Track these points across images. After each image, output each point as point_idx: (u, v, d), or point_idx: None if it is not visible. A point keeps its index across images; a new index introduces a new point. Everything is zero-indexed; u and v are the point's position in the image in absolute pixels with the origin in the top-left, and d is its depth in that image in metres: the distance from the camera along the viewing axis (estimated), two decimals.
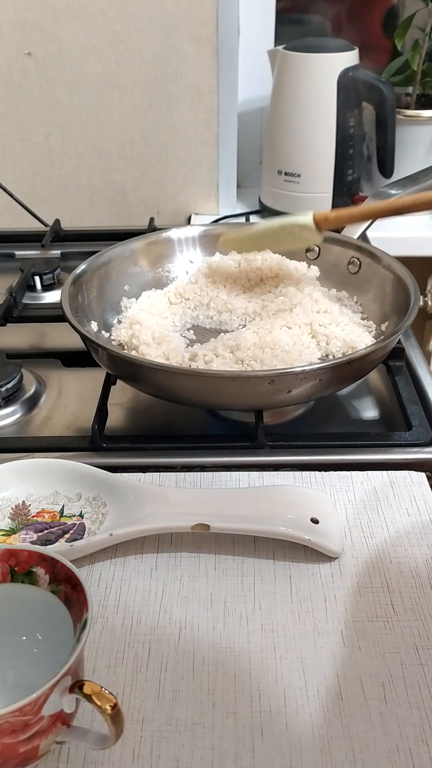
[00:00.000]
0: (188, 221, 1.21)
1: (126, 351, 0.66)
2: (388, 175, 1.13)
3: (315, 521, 0.52)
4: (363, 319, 0.73)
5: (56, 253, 1.01)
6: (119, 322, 0.73)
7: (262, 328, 0.66)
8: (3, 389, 0.68)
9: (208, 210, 1.21)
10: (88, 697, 0.36)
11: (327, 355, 0.66)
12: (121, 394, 0.70)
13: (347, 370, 0.60)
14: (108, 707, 0.35)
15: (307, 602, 0.49)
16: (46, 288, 0.91)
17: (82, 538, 0.52)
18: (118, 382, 0.68)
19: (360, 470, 0.59)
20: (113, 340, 0.70)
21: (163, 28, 1.07)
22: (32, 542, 0.52)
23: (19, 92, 1.12)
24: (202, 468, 0.60)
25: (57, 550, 0.49)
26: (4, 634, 0.42)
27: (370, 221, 0.72)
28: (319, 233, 0.70)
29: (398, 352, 0.71)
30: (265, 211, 1.19)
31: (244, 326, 0.71)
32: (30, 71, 1.11)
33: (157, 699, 0.43)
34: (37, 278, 0.91)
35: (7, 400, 0.69)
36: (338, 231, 0.82)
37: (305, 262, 0.79)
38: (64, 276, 0.91)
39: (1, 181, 1.12)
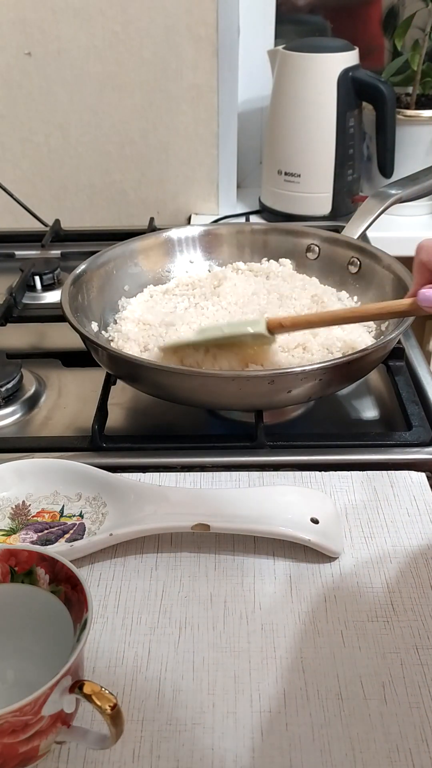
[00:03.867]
0: (188, 221, 1.21)
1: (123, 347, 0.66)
2: (388, 175, 1.13)
3: (315, 521, 0.52)
4: None
5: (56, 253, 1.01)
6: (115, 321, 0.73)
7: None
8: (3, 389, 0.68)
9: (208, 210, 1.21)
10: (88, 697, 0.36)
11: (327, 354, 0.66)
12: (121, 394, 0.70)
13: (347, 370, 0.60)
14: (108, 707, 0.35)
15: (307, 602, 0.49)
16: (46, 288, 0.91)
17: (82, 538, 0.52)
18: (118, 382, 0.68)
19: (360, 470, 0.59)
20: (110, 339, 0.70)
21: (163, 28, 1.07)
22: (32, 542, 0.52)
23: (19, 92, 1.12)
24: (202, 468, 0.60)
25: (57, 550, 0.49)
26: (4, 634, 0.42)
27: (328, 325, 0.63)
28: (273, 338, 0.62)
29: (398, 352, 0.71)
30: (264, 211, 1.19)
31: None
32: (30, 71, 1.11)
33: (157, 699, 0.43)
34: (37, 278, 0.91)
35: (7, 400, 0.69)
36: (338, 231, 0.82)
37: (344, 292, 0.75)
38: (64, 276, 0.91)
39: (1, 181, 1.12)
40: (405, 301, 0.55)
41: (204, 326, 0.67)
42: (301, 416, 0.68)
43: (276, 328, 0.61)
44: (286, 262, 0.81)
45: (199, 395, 0.60)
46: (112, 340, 0.70)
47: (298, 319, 0.62)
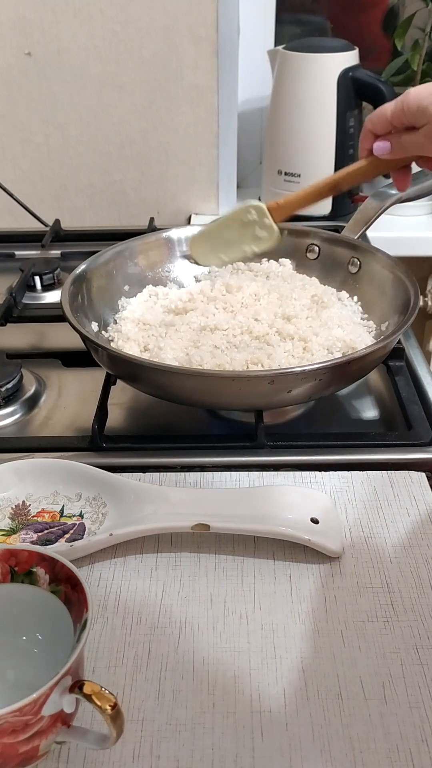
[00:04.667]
0: (188, 221, 1.21)
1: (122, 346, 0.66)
2: (388, 175, 1.13)
3: (315, 521, 0.52)
4: (363, 319, 0.73)
5: (56, 253, 1.01)
6: (115, 321, 0.73)
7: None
8: (3, 389, 0.68)
9: (208, 210, 1.21)
10: (88, 697, 0.36)
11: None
12: (121, 394, 0.70)
13: (347, 370, 0.60)
14: (108, 707, 0.35)
15: (307, 602, 0.49)
16: (46, 288, 0.91)
17: (82, 538, 0.52)
18: (118, 382, 0.68)
19: (360, 470, 0.59)
20: (110, 339, 0.70)
21: (163, 28, 1.07)
22: (32, 542, 0.52)
23: (19, 92, 1.12)
24: (202, 468, 0.60)
25: (57, 550, 0.49)
26: (4, 634, 0.42)
27: (317, 200, 0.71)
28: (273, 222, 0.70)
29: (398, 352, 0.71)
30: None
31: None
32: (30, 71, 1.11)
33: (157, 699, 0.43)
34: (37, 278, 0.91)
35: (7, 400, 0.69)
36: (338, 231, 0.82)
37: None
38: (64, 276, 0.91)
39: (1, 181, 1.12)
40: (362, 161, 0.66)
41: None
42: (301, 416, 0.68)
43: (274, 209, 0.69)
44: (286, 262, 0.81)
45: (199, 395, 0.60)
46: (112, 340, 0.70)
47: (289, 198, 0.70)
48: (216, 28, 1.07)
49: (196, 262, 0.78)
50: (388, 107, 0.61)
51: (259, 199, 0.77)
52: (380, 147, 0.63)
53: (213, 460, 0.60)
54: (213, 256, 0.75)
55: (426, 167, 0.65)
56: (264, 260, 0.82)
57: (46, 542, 0.52)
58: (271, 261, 0.82)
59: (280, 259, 0.81)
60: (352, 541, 0.53)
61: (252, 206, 0.70)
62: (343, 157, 1.11)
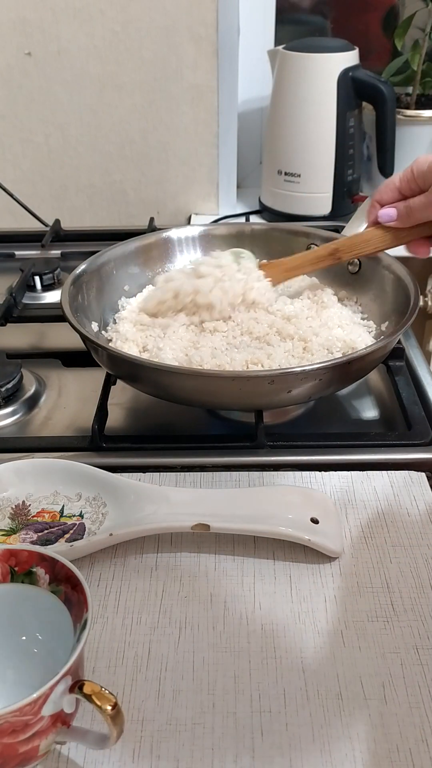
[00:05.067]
0: (188, 221, 1.21)
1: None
2: (388, 175, 1.13)
3: (315, 521, 0.52)
4: (363, 319, 0.73)
5: (56, 253, 1.01)
6: (115, 321, 0.73)
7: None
8: (3, 389, 0.68)
9: (208, 210, 1.21)
10: (88, 697, 0.36)
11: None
12: (121, 394, 0.70)
13: (347, 370, 0.60)
14: (108, 707, 0.35)
15: (307, 602, 0.49)
16: (46, 288, 0.91)
17: (82, 538, 0.52)
18: (118, 382, 0.68)
19: (360, 470, 0.59)
20: (109, 339, 0.70)
21: (163, 28, 1.07)
22: (32, 542, 0.52)
23: (19, 92, 1.12)
24: (202, 468, 0.60)
25: (57, 550, 0.49)
26: (4, 634, 0.42)
27: (315, 268, 0.71)
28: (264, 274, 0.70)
29: (398, 352, 0.71)
30: (265, 211, 1.19)
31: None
32: (30, 71, 1.11)
33: (157, 699, 0.43)
34: (37, 278, 0.91)
35: (7, 400, 0.69)
36: (338, 231, 0.82)
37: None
38: (64, 276, 0.91)
39: (1, 181, 1.12)
40: (369, 230, 0.65)
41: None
42: (301, 416, 0.68)
43: (266, 267, 0.69)
44: None
45: (199, 395, 0.60)
46: (110, 340, 0.70)
47: (285, 263, 0.70)
48: (216, 28, 1.07)
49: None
50: (395, 176, 0.61)
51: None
52: (385, 214, 0.61)
53: (213, 460, 0.60)
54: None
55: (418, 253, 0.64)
56: (264, 261, 0.82)
57: (46, 542, 0.52)
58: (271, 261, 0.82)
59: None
60: (352, 541, 0.53)
61: (239, 252, 0.70)
62: (343, 157, 1.11)
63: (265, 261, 0.70)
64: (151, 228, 1.01)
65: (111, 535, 0.51)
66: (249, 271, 0.70)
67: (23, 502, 0.55)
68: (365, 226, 0.78)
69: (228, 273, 0.69)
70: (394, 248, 0.66)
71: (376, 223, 0.63)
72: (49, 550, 0.42)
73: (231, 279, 0.68)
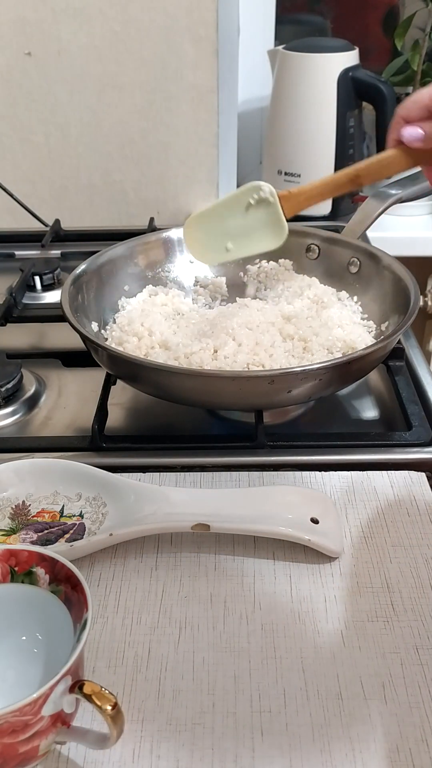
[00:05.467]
0: None
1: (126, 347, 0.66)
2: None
3: (315, 521, 0.52)
4: (363, 319, 0.73)
5: (56, 253, 1.01)
6: (114, 321, 0.73)
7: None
8: (3, 389, 0.68)
9: None
10: (88, 697, 0.36)
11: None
12: (121, 394, 0.70)
13: (347, 370, 0.60)
14: (108, 707, 0.35)
15: (307, 602, 0.49)
16: (46, 288, 0.91)
17: (82, 538, 0.52)
18: (118, 382, 0.68)
19: (360, 470, 0.59)
20: (106, 338, 0.70)
21: (163, 28, 1.07)
22: (32, 542, 0.52)
23: (19, 92, 1.12)
24: (202, 468, 0.60)
25: (57, 550, 0.49)
26: (4, 634, 0.42)
27: (335, 193, 0.64)
28: (283, 215, 0.62)
29: (398, 352, 0.71)
30: None
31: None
32: (30, 71, 1.11)
33: (157, 699, 0.43)
34: (37, 278, 0.91)
35: (7, 400, 0.69)
36: (338, 231, 0.82)
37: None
38: (64, 276, 0.91)
39: (1, 181, 1.12)
40: (389, 151, 0.58)
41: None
42: (301, 416, 0.68)
43: (285, 198, 0.61)
44: (287, 264, 0.81)
45: (199, 395, 0.60)
46: (107, 339, 0.70)
47: (304, 188, 0.63)
48: (216, 28, 1.07)
49: (193, 257, 0.69)
50: (425, 91, 0.54)
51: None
52: (412, 133, 0.55)
53: (213, 460, 0.60)
54: (211, 247, 0.65)
55: None
56: (264, 261, 0.82)
57: (46, 542, 0.52)
58: (271, 261, 0.82)
59: (280, 260, 0.81)
60: (352, 541, 0.53)
61: (260, 187, 0.61)
62: (343, 157, 1.11)
63: (285, 192, 0.62)
64: (151, 228, 1.02)
65: (111, 535, 0.51)
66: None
67: (23, 502, 0.55)
68: (365, 227, 0.78)
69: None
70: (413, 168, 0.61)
71: (398, 142, 0.57)
72: (49, 550, 0.42)
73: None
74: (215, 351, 0.65)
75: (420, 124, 0.55)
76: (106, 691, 0.36)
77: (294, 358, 0.65)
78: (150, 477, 0.59)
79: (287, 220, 0.63)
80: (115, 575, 0.51)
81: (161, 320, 0.71)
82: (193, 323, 0.70)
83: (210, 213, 0.65)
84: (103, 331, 0.71)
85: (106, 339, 0.70)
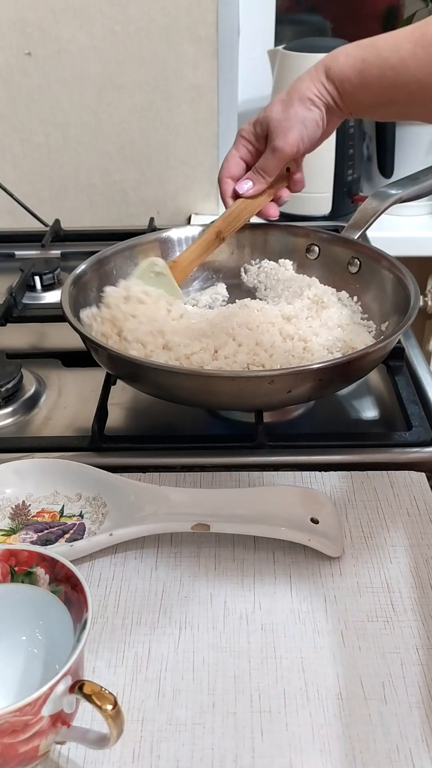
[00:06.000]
0: (188, 221, 1.21)
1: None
2: (388, 175, 1.13)
3: (315, 521, 0.52)
4: (363, 319, 0.73)
5: (56, 253, 1.01)
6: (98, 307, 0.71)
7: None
8: (3, 389, 0.68)
9: (208, 210, 1.21)
10: (88, 697, 0.36)
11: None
12: (121, 394, 0.70)
13: (347, 370, 0.60)
14: (108, 707, 0.35)
15: (307, 602, 0.49)
16: (46, 288, 0.91)
17: (82, 538, 0.52)
18: (118, 382, 0.68)
19: (360, 470, 0.59)
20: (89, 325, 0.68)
21: (163, 28, 1.07)
22: (32, 542, 0.52)
23: (19, 92, 1.12)
24: (202, 468, 0.60)
25: (57, 550, 0.49)
26: (4, 634, 0.42)
27: (209, 251, 0.73)
28: (173, 280, 0.71)
29: (398, 352, 0.71)
30: None
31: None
32: (30, 71, 1.11)
33: (157, 699, 0.43)
34: (37, 278, 0.91)
35: (7, 400, 0.69)
36: (338, 231, 0.82)
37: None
38: (64, 276, 0.91)
39: (1, 181, 1.12)
40: (234, 204, 0.70)
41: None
42: (301, 416, 0.68)
43: (172, 267, 0.71)
44: (287, 264, 0.81)
45: (199, 395, 0.60)
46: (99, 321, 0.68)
47: (183, 256, 0.73)
48: (216, 28, 1.07)
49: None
50: (233, 149, 0.69)
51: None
52: (244, 187, 0.68)
53: (213, 460, 0.60)
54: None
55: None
56: (264, 261, 0.82)
57: (46, 542, 0.52)
58: (271, 261, 0.82)
59: (280, 260, 0.81)
60: (352, 541, 0.53)
61: (155, 263, 0.71)
62: (343, 157, 1.11)
63: (171, 262, 0.72)
64: (151, 228, 1.01)
65: (111, 535, 0.51)
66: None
67: (23, 502, 0.55)
68: (365, 227, 0.78)
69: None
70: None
71: (237, 196, 0.69)
72: (49, 550, 0.42)
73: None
74: (215, 351, 0.65)
75: (246, 176, 0.68)
76: (106, 691, 0.36)
77: (294, 358, 0.65)
78: (150, 477, 0.59)
79: (180, 284, 0.73)
80: (115, 575, 0.51)
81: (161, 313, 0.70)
82: (193, 323, 0.70)
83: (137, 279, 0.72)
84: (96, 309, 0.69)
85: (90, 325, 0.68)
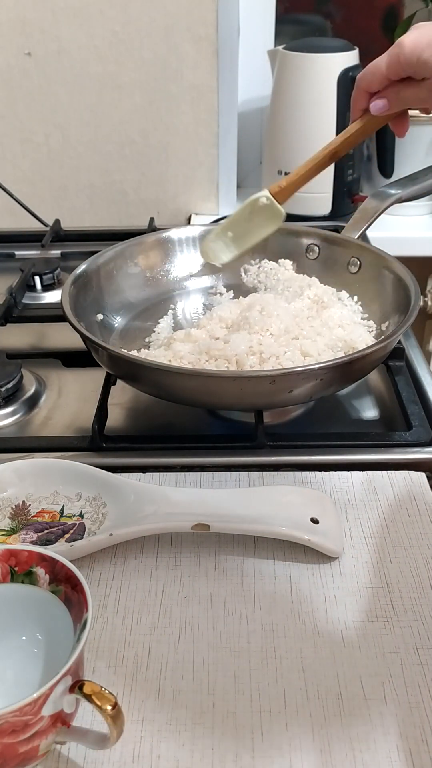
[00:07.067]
0: (188, 221, 1.21)
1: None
2: (388, 175, 1.13)
3: (315, 521, 0.52)
4: (363, 319, 0.73)
5: (56, 253, 1.01)
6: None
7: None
8: (3, 389, 0.68)
9: (208, 210, 1.21)
10: (88, 697, 0.36)
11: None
12: (121, 394, 0.70)
13: (348, 370, 0.60)
14: (108, 707, 0.35)
15: (307, 602, 0.49)
16: (46, 288, 0.91)
17: (82, 538, 0.52)
18: (118, 382, 0.68)
19: (360, 470, 0.59)
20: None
21: (163, 28, 1.07)
22: (32, 542, 0.52)
23: (19, 92, 1.12)
24: (202, 468, 0.60)
25: (57, 550, 0.49)
26: (4, 634, 0.42)
27: (318, 172, 0.67)
28: (279, 205, 0.66)
29: (398, 352, 0.71)
30: None
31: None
32: (30, 71, 1.11)
33: (157, 699, 0.43)
34: (37, 278, 0.91)
35: (7, 400, 0.69)
36: (338, 231, 0.82)
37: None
38: (64, 276, 0.91)
39: (1, 181, 1.12)
40: (358, 122, 0.63)
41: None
42: (301, 416, 0.68)
43: (277, 192, 0.65)
44: (287, 264, 0.81)
45: (199, 395, 0.60)
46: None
47: (290, 177, 0.65)
48: (216, 28, 1.07)
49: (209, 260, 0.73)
50: (381, 62, 0.58)
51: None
52: (378, 105, 0.60)
53: (213, 460, 0.60)
54: (224, 253, 0.70)
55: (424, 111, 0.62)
56: (264, 261, 0.82)
57: (46, 542, 0.52)
58: (271, 261, 0.82)
59: (280, 260, 0.81)
60: (352, 541, 0.53)
61: (256, 198, 0.66)
62: (343, 157, 1.10)
63: (275, 187, 0.66)
64: (151, 228, 1.01)
65: (111, 535, 0.51)
66: None
67: (23, 502, 0.55)
68: (365, 227, 0.78)
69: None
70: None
71: (364, 111, 0.62)
72: (49, 550, 0.42)
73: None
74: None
75: (382, 94, 0.59)
76: (106, 691, 0.36)
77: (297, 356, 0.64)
78: (150, 477, 0.59)
79: (283, 206, 0.67)
80: (115, 575, 0.51)
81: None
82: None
83: (218, 232, 0.68)
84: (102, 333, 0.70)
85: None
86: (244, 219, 0.67)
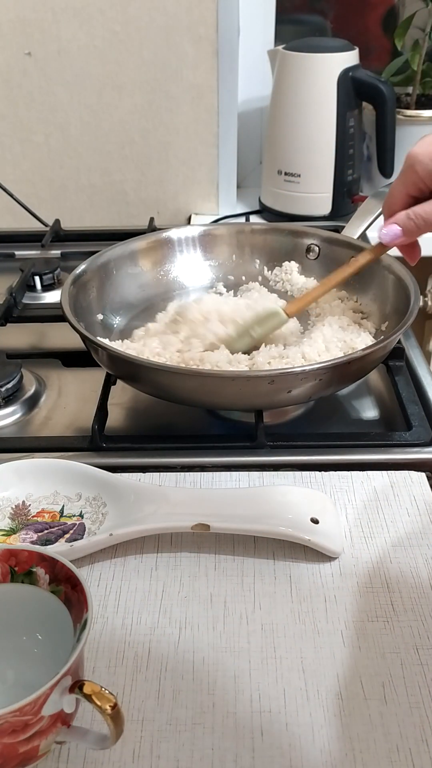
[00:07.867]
0: (188, 221, 1.21)
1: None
2: (388, 175, 1.13)
3: (315, 521, 0.52)
4: (363, 319, 0.73)
5: (56, 253, 1.01)
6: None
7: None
8: (3, 389, 0.68)
9: (208, 210, 1.21)
10: (88, 697, 0.36)
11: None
12: (121, 394, 0.70)
13: (347, 370, 0.60)
14: (108, 707, 0.35)
15: (307, 602, 0.49)
16: (46, 288, 0.91)
17: (82, 538, 0.52)
18: (118, 382, 0.68)
19: (360, 470, 0.59)
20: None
21: (163, 28, 1.07)
22: (32, 542, 0.52)
23: (19, 92, 1.12)
24: (202, 468, 0.60)
25: (57, 550, 0.49)
26: (4, 634, 0.42)
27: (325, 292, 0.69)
28: (287, 317, 0.67)
29: (398, 352, 0.71)
30: (265, 211, 1.19)
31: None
32: (30, 71, 1.11)
33: (157, 699, 0.43)
34: (37, 278, 0.91)
35: (7, 400, 0.69)
36: (338, 231, 0.82)
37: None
38: (64, 276, 0.91)
39: (1, 181, 1.12)
40: (368, 250, 0.66)
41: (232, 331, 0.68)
42: (301, 416, 0.68)
43: (290, 311, 0.67)
44: (292, 266, 0.81)
45: (199, 395, 0.60)
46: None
47: (303, 300, 0.68)
48: (216, 28, 1.07)
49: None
50: (397, 184, 0.58)
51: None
52: (389, 233, 0.59)
53: (213, 460, 0.60)
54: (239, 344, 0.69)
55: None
56: (267, 262, 0.82)
57: (46, 542, 0.52)
58: (275, 263, 0.82)
59: (284, 263, 0.81)
60: (352, 541, 0.53)
61: (278, 313, 0.67)
62: (343, 157, 1.11)
63: (287, 305, 0.68)
64: (151, 228, 1.01)
65: (111, 535, 0.51)
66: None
67: (23, 502, 0.55)
68: (365, 227, 0.78)
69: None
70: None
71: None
72: (49, 550, 0.42)
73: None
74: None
75: (391, 222, 0.59)
76: (106, 691, 0.36)
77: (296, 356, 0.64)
78: (150, 477, 0.59)
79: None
80: (115, 575, 0.51)
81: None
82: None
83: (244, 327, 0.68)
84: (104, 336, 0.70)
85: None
86: (260, 320, 0.68)
